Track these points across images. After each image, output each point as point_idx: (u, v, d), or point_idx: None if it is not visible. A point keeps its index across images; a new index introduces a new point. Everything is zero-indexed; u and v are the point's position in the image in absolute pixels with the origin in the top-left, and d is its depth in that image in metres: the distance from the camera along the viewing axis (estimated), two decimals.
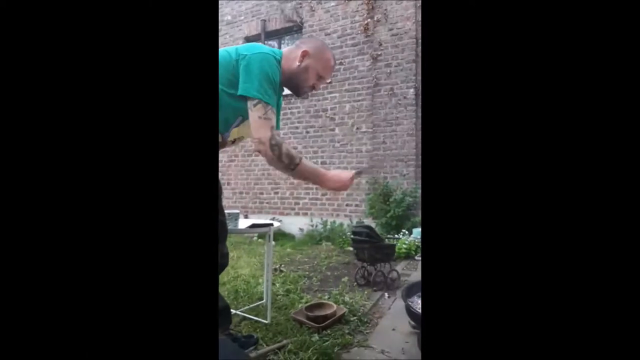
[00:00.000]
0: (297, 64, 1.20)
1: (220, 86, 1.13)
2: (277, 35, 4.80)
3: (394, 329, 1.75)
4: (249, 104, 1.09)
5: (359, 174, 1.35)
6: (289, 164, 1.12)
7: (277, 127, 1.31)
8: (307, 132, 4.44)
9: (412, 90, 3.80)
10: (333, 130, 4.27)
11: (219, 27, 5.13)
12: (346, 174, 1.21)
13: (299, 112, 4.47)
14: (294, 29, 4.59)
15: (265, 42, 4.74)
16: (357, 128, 4.11)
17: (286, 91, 1.31)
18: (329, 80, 4.21)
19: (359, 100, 4.13)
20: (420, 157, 3.78)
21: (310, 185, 4.37)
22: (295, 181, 4.44)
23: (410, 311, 1.49)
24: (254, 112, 1.08)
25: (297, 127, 4.50)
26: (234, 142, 1.28)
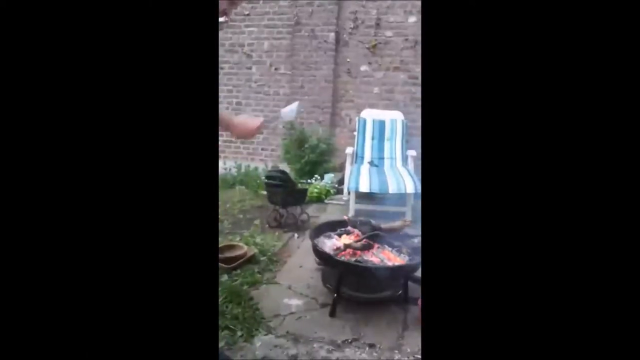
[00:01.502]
0: None
1: None
2: None
3: (301, 266, 1.88)
4: None
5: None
6: None
7: None
8: (222, 69, 4.10)
9: (332, 34, 3.72)
10: (250, 68, 4.02)
11: None
12: (252, 122, 1.15)
13: None
14: None
15: None
16: (276, 69, 3.94)
17: None
18: (243, 10, 3.86)
19: (278, 39, 3.91)
20: (336, 105, 3.84)
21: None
22: None
23: (316, 250, 1.61)
24: None
25: None
26: None
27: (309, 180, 3.37)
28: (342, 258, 1.54)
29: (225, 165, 4.04)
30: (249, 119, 1.15)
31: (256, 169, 3.91)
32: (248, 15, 3.90)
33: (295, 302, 1.55)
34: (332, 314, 1.47)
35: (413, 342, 1.33)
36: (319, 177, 3.46)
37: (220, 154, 4.23)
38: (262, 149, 4.11)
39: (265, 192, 2.67)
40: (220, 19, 1.15)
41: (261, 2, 3.85)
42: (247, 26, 3.95)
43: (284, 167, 3.54)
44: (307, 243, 2.04)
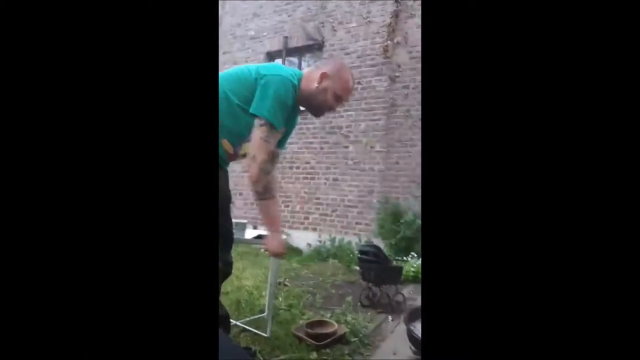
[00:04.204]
0: (316, 85, 1.23)
1: (237, 101, 1.17)
2: (298, 52, 4.92)
3: (394, 354, 1.71)
4: (256, 121, 1.12)
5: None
6: (260, 193, 1.17)
7: (283, 147, 1.34)
8: (322, 148, 4.47)
9: None
10: (347, 147, 4.29)
11: (243, 42, 5.29)
12: (281, 246, 1.34)
13: (314, 128, 4.51)
14: (315, 47, 4.69)
15: (287, 58, 4.85)
16: (371, 147, 4.12)
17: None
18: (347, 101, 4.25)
19: (374, 120, 4.15)
20: None
21: (321, 201, 4.36)
22: (306, 196, 4.45)
23: (412, 336, 1.45)
24: (257, 131, 1.12)
25: (311, 143, 4.54)
26: (244, 155, 1.32)
27: (405, 258, 3.21)
28: None
29: (320, 238, 4.15)
30: (281, 242, 1.34)
31: (350, 243, 3.91)
32: (347, 101, 4.29)
33: None
34: None
35: None
36: (415, 255, 3.27)
37: (315, 227, 4.38)
38: (357, 223, 4.14)
39: (358, 268, 2.61)
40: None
41: (359, 88, 4.24)
42: (345, 110, 4.33)
43: (378, 242, 3.46)
44: (401, 327, 1.87)
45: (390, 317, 2.13)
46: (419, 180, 3.80)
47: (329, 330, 1.75)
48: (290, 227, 4.49)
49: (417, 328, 1.51)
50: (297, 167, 4.58)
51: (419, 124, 3.82)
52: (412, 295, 2.56)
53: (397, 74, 4.03)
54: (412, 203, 3.67)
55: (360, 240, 3.90)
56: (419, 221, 3.43)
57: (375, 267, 2.33)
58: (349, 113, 4.31)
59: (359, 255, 2.51)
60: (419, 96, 3.87)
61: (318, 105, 1.26)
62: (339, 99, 1.28)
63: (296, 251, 4.24)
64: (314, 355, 1.56)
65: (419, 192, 3.77)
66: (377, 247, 2.45)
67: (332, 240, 4.02)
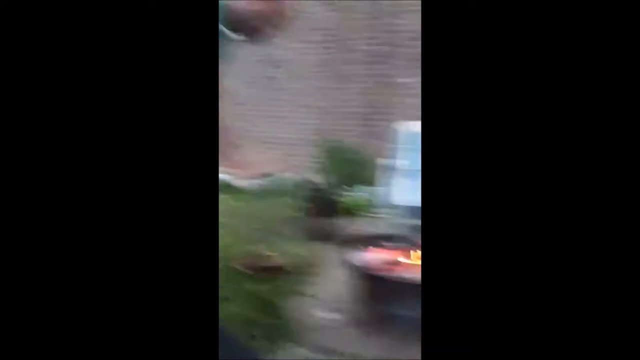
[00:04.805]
0: (248, 8, 1.10)
1: None
2: None
3: (333, 279, 1.83)
4: None
5: None
6: None
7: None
8: (262, 82, 4.22)
9: (374, 48, 3.72)
10: (289, 83, 4.11)
11: None
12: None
13: (252, 61, 4.20)
14: None
15: None
16: (314, 83, 4.00)
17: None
18: (282, 27, 3.97)
19: (318, 54, 3.97)
20: (374, 116, 3.80)
21: (262, 139, 4.25)
22: (246, 133, 4.28)
23: (350, 264, 1.55)
24: None
25: (251, 76, 4.26)
26: None
27: (343, 192, 3.33)
28: (380, 274, 1.48)
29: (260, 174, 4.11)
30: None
31: (293, 178, 3.94)
32: (288, 31, 4.01)
33: (327, 316, 1.50)
34: (366, 330, 1.40)
35: None
36: (353, 189, 3.41)
37: (255, 164, 4.31)
38: (298, 160, 4.14)
39: (298, 202, 2.66)
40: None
41: (302, 18, 3.95)
42: (287, 42, 4.06)
43: (318, 177, 3.53)
44: (341, 256, 1.99)
45: (329, 247, 2.25)
46: (358, 116, 3.83)
47: (269, 262, 1.81)
48: (231, 166, 4.36)
49: (355, 255, 1.62)
50: (237, 103, 4.32)
51: (366, 59, 3.74)
52: (350, 227, 2.71)
53: (342, 5, 3.80)
54: (353, 141, 3.73)
55: (300, 176, 3.94)
56: (358, 157, 3.53)
57: (314, 201, 2.39)
58: (292, 46, 4.05)
59: (299, 191, 2.55)
60: (368, 29, 3.74)
61: (251, 30, 1.14)
62: (274, 24, 1.16)
63: (235, 189, 4.19)
64: (254, 286, 1.61)
65: (357, 129, 3.82)
66: (316, 182, 2.51)
67: (273, 176, 4.01)
